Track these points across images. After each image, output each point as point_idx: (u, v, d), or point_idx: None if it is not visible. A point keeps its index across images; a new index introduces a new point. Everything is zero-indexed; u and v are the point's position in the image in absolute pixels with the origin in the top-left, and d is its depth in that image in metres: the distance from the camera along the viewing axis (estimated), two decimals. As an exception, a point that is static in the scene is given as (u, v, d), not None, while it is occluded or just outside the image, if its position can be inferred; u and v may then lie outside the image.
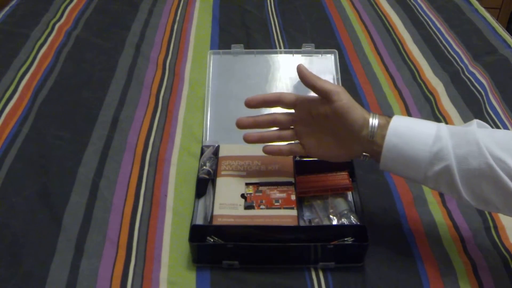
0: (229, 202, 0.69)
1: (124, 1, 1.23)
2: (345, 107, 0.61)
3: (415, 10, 1.24)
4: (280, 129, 0.70)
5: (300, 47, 0.94)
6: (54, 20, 1.12)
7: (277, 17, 1.22)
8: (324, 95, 0.63)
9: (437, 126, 0.58)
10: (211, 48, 1.09)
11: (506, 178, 0.54)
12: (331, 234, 0.64)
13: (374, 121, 0.60)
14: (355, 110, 0.61)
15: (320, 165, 0.73)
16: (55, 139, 0.81)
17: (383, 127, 0.59)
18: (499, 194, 0.55)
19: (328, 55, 0.92)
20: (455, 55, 1.06)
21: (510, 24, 2.15)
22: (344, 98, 0.61)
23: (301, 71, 0.65)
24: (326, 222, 0.68)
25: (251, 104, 0.69)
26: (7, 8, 1.18)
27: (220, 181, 0.72)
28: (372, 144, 0.60)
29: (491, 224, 0.70)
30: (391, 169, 0.61)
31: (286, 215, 0.67)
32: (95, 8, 1.20)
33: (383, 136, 0.59)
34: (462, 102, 0.92)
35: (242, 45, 0.93)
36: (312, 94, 0.65)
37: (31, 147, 0.80)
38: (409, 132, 0.58)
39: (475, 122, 0.58)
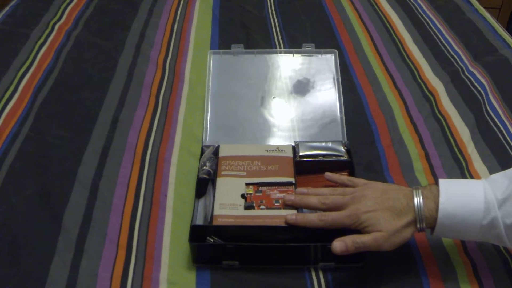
0: (229, 202, 0.69)
1: (124, 1, 1.23)
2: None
3: (415, 10, 1.24)
4: None
5: (300, 47, 0.93)
6: (54, 20, 1.12)
7: (277, 17, 1.22)
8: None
9: (484, 194, 0.58)
10: (211, 48, 1.09)
11: None
12: (331, 234, 0.64)
13: (421, 223, 0.59)
14: (401, 236, 0.60)
15: (320, 165, 0.73)
16: (55, 139, 0.81)
17: (432, 213, 0.59)
18: None
19: (328, 55, 0.92)
20: (455, 55, 1.06)
21: (510, 24, 2.14)
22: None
23: (341, 251, 0.60)
24: (326, 222, 0.68)
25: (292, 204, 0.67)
26: (7, 8, 1.18)
27: (220, 181, 0.72)
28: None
29: (491, 224, 0.70)
30: (443, 237, 0.66)
31: (286, 215, 0.67)
32: (95, 8, 1.20)
33: (434, 220, 0.59)
34: (462, 102, 0.92)
35: (242, 45, 0.93)
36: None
37: (31, 147, 0.80)
38: (459, 211, 0.58)
39: None
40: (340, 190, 0.66)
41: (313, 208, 0.66)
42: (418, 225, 0.60)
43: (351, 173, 0.73)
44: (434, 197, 0.59)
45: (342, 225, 0.62)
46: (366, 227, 0.60)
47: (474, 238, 0.61)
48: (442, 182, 0.60)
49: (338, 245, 0.60)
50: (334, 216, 0.62)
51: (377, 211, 0.60)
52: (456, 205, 0.58)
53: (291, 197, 0.67)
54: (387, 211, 0.60)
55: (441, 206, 0.58)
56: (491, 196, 0.58)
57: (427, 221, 0.59)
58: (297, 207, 0.67)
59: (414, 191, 0.61)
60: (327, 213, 0.63)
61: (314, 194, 0.67)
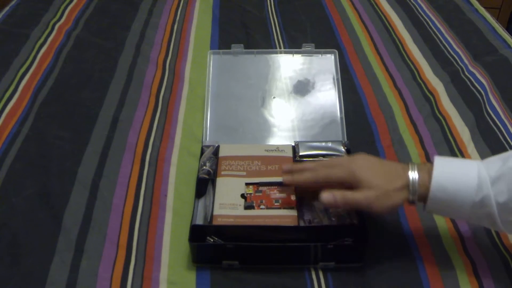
0: (229, 202, 0.69)
1: (124, 1, 1.23)
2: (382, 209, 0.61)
3: (415, 10, 1.24)
4: None
5: (300, 47, 0.93)
6: (54, 20, 1.12)
7: (277, 17, 1.22)
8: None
9: (478, 172, 0.58)
10: (211, 48, 1.09)
11: None
12: (331, 234, 0.64)
13: (414, 195, 0.60)
14: (391, 199, 0.60)
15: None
16: (55, 139, 0.81)
17: (425, 183, 0.60)
18: None
19: (328, 55, 0.92)
20: (455, 55, 1.06)
21: (510, 24, 2.15)
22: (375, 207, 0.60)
23: (329, 202, 0.62)
24: (326, 222, 0.68)
25: (289, 183, 0.68)
26: (7, 8, 1.18)
27: (220, 181, 0.72)
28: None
29: (491, 224, 0.70)
30: (434, 213, 0.66)
31: (286, 215, 0.67)
32: (95, 8, 1.20)
33: (427, 191, 0.59)
34: (462, 102, 0.92)
35: (242, 45, 0.93)
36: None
37: (31, 147, 0.80)
38: (452, 185, 0.59)
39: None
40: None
41: (307, 183, 0.66)
42: (411, 197, 0.60)
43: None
44: (428, 171, 0.60)
45: (336, 178, 0.62)
46: (359, 183, 0.60)
47: (467, 217, 0.61)
48: (437, 158, 0.61)
49: (326, 196, 0.62)
50: (328, 170, 0.64)
51: (371, 170, 0.62)
52: (449, 179, 0.59)
53: (288, 178, 0.67)
54: (381, 173, 0.61)
55: (434, 178, 0.59)
56: (484, 174, 0.58)
57: (419, 193, 0.60)
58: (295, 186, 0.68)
59: (410, 165, 0.62)
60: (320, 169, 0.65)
61: (308, 169, 0.66)
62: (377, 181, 0.60)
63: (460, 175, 0.59)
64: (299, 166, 0.68)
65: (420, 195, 0.60)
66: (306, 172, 0.66)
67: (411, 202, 0.61)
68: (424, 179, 0.60)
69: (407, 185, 0.60)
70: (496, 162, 0.59)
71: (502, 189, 0.57)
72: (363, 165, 0.62)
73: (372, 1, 1.28)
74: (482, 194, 0.57)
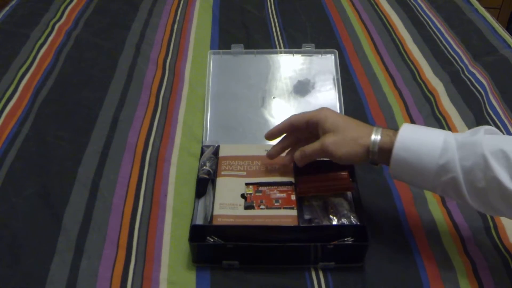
0: (229, 202, 0.69)
1: (124, 1, 1.23)
2: (332, 147, 0.63)
3: (415, 10, 1.24)
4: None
5: (300, 47, 0.93)
6: (54, 20, 1.12)
7: (277, 17, 1.22)
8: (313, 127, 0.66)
9: (445, 136, 0.58)
10: (211, 48, 1.09)
11: None
12: (331, 234, 0.64)
13: (374, 149, 0.61)
14: (348, 146, 0.62)
15: (320, 165, 0.73)
16: (55, 139, 0.81)
17: (389, 140, 0.60)
18: (506, 204, 0.56)
19: (328, 55, 0.92)
20: (455, 55, 1.06)
21: (510, 24, 2.15)
22: (328, 139, 0.63)
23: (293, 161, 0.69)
24: (326, 222, 0.68)
25: (271, 138, 0.71)
26: (7, 8, 1.18)
27: (220, 181, 0.72)
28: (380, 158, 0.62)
29: (491, 224, 0.70)
30: (399, 178, 0.62)
31: (286, 215, 0.67)
32: (95, 8, 1.20)
33: (390, 149, 0.59)
34: (462, 102, 0.92)
35: (242, 45, 0.93)
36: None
37: (31, 147, 0.80)
38: (417, 145, 0.58)
39: (483, 129, 0.58)
40: None
41: (280, 129, 0.69)
42: (370, 154, 0.61)
43: (351, 173, 0.73)
44: (394, 133, 0.60)
45: (301, 118, 0.66)
46: (324, 123, 0.64)
47: (431, 184, 0.59)
48: (406, 123, 0.62)
49: (287, 158, 0.70)
50: (296, 115, 0.68)
51: (337, 116, 0.64)
52: (413, 140, 0.59)
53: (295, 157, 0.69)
54: (347, 121, 0.64)
55: (398, 138, 0.59)
56: (451, 138, 0.58)
57: (382, 149, 0.60)
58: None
59: (375, 126, 0.63)
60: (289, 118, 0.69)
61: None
62: (340, 123, 0.63)
63: (425, 137, 0.59)
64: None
65: (383, 153, 0.60)
66: (281, 122, 0.69)
67: (372, 160, 0.61)
68: (387, 137, 0.60)
69: (369, 137, 0.61)
70: (466, 133, 0.59)
71: (468, 154, 0.56)
72: (333, 111, 0.66)
73: (372, 1, 1.28)
74: (446, 157, 0.56)
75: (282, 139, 0.72)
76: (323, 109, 0.66)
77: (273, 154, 0.72)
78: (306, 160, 0.67)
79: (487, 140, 0.56)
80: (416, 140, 0.59)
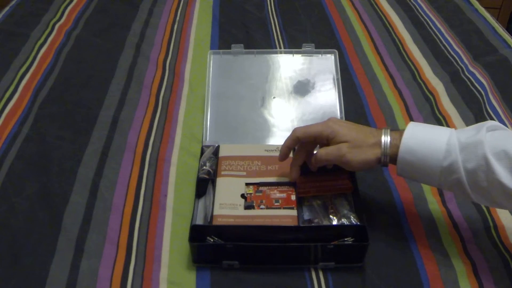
0: (229, 202, 0.69)
1: (124, 1, 1.23)
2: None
3: (415, 10, 1.24)
4: None
5: (300, 47, 0.93)
6: (54, 20, 1.12)
7: (277, 17, 1.22)
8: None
9: (448, 137, 0.59)
10: (211, 48, 1.09)
11: None
12: (331, 234, 0.64)
13: (385, 158, 0.62)
14: (365, 153, 0.63)
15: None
16: (55, 139, 0.81)
17: (396, 143, 0.62)
18: (509, 202, 0.57)
19: (328, 55, 0.92)
20: (455, 55, 1.06)
21: (510, 24, 2.15)
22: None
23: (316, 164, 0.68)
24: (326, 222, 0.68)
25: (284, 158, 0.71)
26: (7, 8, 1.18)
27: (220, 181, 0.72)
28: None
29: (491, 224, 0.70)
30: (405, 177, 0.65)
31: (286, 215, 0.67)
32: (95, 8, 1.20)
33: (397, 152, 0.61)
34: (462, 102, 0.92)
35: (242, 45, 0.93)
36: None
37: (31, 147, 0.80)
38: (421, 148, 0.60)
39: (486, 126, 0.58)
40: None
41: (290, 144, 0.69)
42: (383, 157, 0.62)
43: (351, 173, 0.73)
44: (400, 134, 0.62)
45: (314, 132, 0.66)
46: (335, 134, 0.64)
47: (438, 184, 0.61)
48: (411, 123, 0.63)
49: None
50: (306, 128, 0.67)
51: (347, 125, 0.65)
52: (418, 142, 0.60)
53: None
54: (356, 129, 0.65)
55: (403, 141, 0.60)
56: (454, 140, 0.59)
57: (391, 153, 0.62)
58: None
59: (383, 129, 0.63)
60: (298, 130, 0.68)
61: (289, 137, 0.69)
62: (352, 134, 0.63)
63: (429, 139, 0.60)
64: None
65: (391, 157, 0.62)
66: (288, 138, 0.68)
67: (383, 164, 0.63)
68: (396, 141, 0.61)
69: (380, 143, 0.62)
70: (470, 131, 0.59)
71: (471, 156, 0.57)
72: (339, 121, 0.66)
73: (372, 1, 1.28)
74: (450, 159, 0.58)
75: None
76: (330, 121, 0.66)
77: (282, 156, 0.71)
78: (321, 165, 0.68)
79: (490, 140, 0.57)
80: (421, 142, 0.60)
